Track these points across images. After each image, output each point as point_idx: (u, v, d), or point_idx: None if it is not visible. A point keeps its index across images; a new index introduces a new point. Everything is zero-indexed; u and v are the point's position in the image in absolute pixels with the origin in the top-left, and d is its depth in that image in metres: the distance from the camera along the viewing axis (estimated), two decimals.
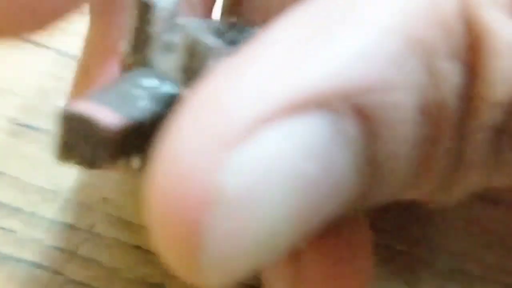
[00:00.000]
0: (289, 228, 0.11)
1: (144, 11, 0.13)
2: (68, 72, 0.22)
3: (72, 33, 0.23)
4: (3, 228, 0.19)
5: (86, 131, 0.12)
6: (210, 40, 0.13)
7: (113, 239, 0.19)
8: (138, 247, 0.19)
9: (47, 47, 0.23)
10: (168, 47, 0.14)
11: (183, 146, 0.10)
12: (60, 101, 0.22)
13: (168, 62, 0.13)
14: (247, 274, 0.11)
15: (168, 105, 0.13)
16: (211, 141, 0.10)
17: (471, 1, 0.11)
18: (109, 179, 0.20)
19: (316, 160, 0.10)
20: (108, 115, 0.12)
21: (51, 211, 0.20)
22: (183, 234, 0.10)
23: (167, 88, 0.13)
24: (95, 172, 0.20)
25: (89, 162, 0.12)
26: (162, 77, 0.13)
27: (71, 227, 0.19)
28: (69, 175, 0.20)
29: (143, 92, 0.13)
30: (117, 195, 0.20)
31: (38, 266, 0.19)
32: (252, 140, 0.10)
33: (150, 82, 0.13)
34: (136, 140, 0.12)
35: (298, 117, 0.10)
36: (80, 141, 0.12)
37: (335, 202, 0.11)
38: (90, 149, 0.12)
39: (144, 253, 0.19)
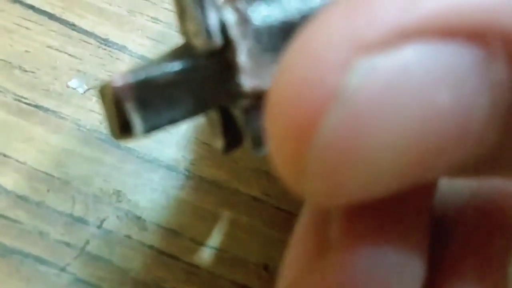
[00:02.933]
0: (401, 163, 0.09)
1: None
2: (81, 50, 0.20)
3: (86, 6, 0.21)
4: (7, 218, 0.18)
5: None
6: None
7: (125, 237, 0.18)
8: (151, 247, 0.18)
9: (60, 21, 0.21)
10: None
11: (320, 38, 0.09)
12: (71, 81, 0.20)
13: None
14: (343, 200, 0.10)
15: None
16: (350, 39, 0.09)
17: None
18: (123, 171, 0.19)
19: (451, 92, 0.09)
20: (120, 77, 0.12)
21: (59, 201, 0.18)
22: (295, 122, 0.09)
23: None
24: (109, 162, 0.19)
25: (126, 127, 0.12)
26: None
27: (79, 221, 0.18)
28: (80, 163, 0.19)
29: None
30: (130, 188, 0.19)
31: (43, 261, 0.17)
32: (389, 51, 0.09)
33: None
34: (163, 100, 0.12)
35: (444, 41, 0.09)
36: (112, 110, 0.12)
37: (459, 151, 0.10)
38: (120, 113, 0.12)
39: (158, 254, 0.18)
